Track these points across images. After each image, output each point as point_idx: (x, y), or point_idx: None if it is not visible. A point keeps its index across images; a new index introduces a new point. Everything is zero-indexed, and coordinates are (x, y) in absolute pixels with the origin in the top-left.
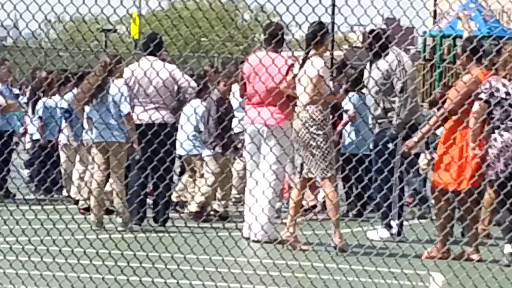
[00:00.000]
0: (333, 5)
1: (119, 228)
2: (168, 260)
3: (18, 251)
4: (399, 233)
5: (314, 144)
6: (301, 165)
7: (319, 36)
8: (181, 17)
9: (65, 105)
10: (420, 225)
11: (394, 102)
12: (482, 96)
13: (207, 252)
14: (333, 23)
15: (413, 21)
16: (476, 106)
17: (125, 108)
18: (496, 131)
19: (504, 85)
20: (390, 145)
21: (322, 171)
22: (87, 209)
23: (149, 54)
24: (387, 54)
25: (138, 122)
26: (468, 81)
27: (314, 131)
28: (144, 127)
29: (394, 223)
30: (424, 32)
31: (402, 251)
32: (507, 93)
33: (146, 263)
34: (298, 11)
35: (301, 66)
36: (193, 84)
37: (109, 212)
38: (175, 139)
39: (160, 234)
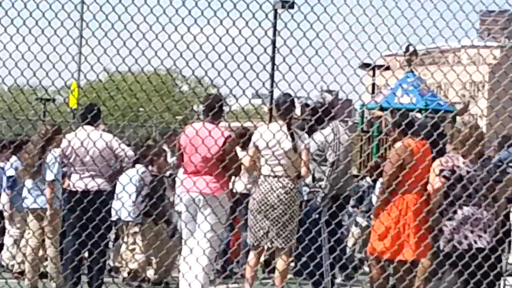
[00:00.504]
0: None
1: None
2: None
3: None
4: None
5: (287, 214)
6: (265, 234)
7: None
8: (119, 89)
9: (12, 172)
10: None
11: (324, 172)
12: (445, 173)
13: None
14: (271, 95)
15: (350, 95)
16: (438, 183)
17: (48, 175)
18: (456, 204)
19: (464, 163)
20: (314, 215)
21: (284, 240)
22: (22, 273)
23: (87, 124)
24: (323, 128)
25: (73, 189)
26: (399, 149)
27: (290, 202)
28: (79, 195)
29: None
30: (362, 105)
31: None
32: (468, 171)
33: None
34: (236, 84)
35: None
36: (130, 153)
37: (43, 276)
38: (110, 206)
39: None
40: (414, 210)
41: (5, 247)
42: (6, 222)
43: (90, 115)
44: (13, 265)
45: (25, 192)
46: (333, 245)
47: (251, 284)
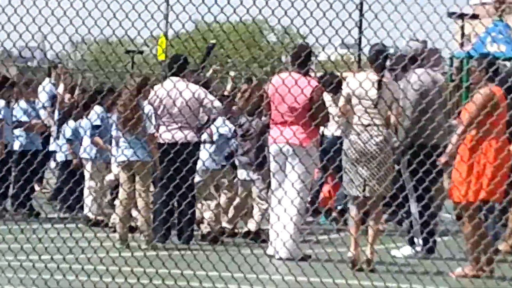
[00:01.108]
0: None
1: (143, 246)
2: (191, 277)
3: (41, 269)
4: (429, 250)
5: (386, 164)
6: (364, 182)
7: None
8: (205, 39)
9: (98, 122)
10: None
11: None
12: None
13: (229, 269)
14: (359, 44)
15: (437, 44)
16: None
17: (148, 127)
18: None
19: None
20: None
21: (385, 189)
22: (107, 225)
23: (173, 75)
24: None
25: (161, 141)
26: (484, 94)
27: (389, 152)
28: (167, 146)
29: (416, 240)
30: (451, 54)
31: (424, 268)
32: None
33: (169, 281)
34: (322, 33)
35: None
36: (217, 104)
37: (132, 230)
38: (198, 158)
39: (182, 252)
40: (495, 153)
41: (90, 199)
42: (88, 173)
43: (176, 65)
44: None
45: (124, 145)
46: (423, 198)
47: (356, 232)
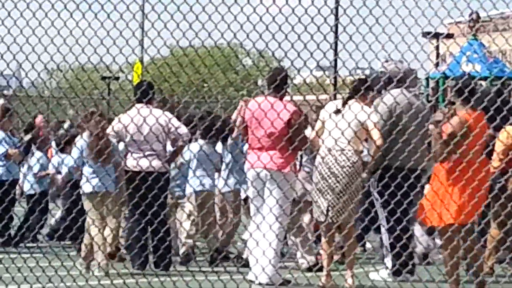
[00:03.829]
0: (335, 46)
1: (95, 273)
2: None
3: None
4: (409, 272)
5: (351, 188)
6: (327, 209)
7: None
8: (181, 64)
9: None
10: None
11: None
12: None
13: None
14: (335, 66)
15: (413, 65)
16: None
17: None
18: None
19: None
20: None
21: (349, 216)
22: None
23: (139, 102)
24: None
25: (126, 169)
26: (455, 123)
27: (355, 176)
28: (132, 174)
29: (388, 262)
30: (428, 76)
31: None
32: None
33: None
34: (297, 56)
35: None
36: (182, 130)
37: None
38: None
39: (162, 278)
40: (473, 175)
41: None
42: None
43: (139, 91)
44: None
45: (90, 175)
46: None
47: (328, 264)
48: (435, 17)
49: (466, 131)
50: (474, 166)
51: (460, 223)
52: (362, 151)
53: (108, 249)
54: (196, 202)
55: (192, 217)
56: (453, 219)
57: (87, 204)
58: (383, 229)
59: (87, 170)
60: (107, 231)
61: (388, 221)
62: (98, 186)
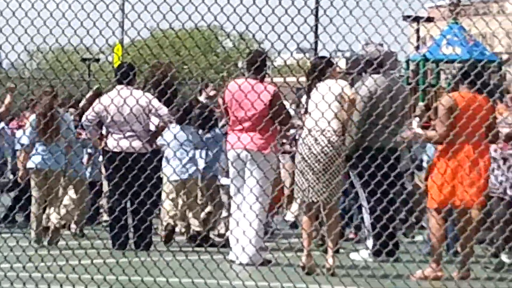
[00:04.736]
0: (316, 30)
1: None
2: (151, 284)
3: (1, 277)
4: (389, 253)
5: (332, 169)
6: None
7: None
8: (161, 46)
9: None
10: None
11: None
12: None
13: (189, 275)
14: (315, 48)
15: (393, 47)
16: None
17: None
18: None
19: None
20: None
21: (329, 195)
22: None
23: (120, 83)
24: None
25: (107, 149)
26: (445, 102)
27: (335, 156)
28: (112, 154)
29: (369, 243)
30: (408, 58)
31: (384, 272)
32: None
33: None
34: (277, 38)
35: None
36: (163, 111)
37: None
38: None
39: (142, 258)
40: (473, 159)
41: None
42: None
43: (120, 73)
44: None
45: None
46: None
47: (309, 244)
48: (416, 0)
49: (459, 112)
50: (481, 148)
51: (480, 203)
52: (344, 132)
53: (52, 226)
54: (176, 184)
55: (171, 196)
56: (472, 200)
57: (31, 180)
58: (363, 210)
59: (36, 147)
60: (50, 209)
61: (368, 202)
62: (40, 163)
